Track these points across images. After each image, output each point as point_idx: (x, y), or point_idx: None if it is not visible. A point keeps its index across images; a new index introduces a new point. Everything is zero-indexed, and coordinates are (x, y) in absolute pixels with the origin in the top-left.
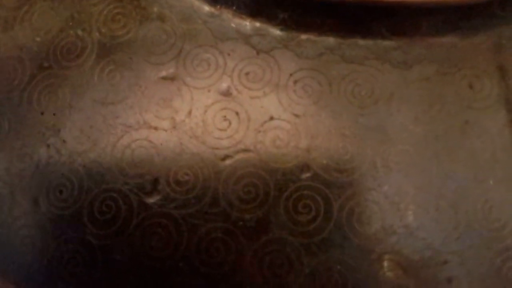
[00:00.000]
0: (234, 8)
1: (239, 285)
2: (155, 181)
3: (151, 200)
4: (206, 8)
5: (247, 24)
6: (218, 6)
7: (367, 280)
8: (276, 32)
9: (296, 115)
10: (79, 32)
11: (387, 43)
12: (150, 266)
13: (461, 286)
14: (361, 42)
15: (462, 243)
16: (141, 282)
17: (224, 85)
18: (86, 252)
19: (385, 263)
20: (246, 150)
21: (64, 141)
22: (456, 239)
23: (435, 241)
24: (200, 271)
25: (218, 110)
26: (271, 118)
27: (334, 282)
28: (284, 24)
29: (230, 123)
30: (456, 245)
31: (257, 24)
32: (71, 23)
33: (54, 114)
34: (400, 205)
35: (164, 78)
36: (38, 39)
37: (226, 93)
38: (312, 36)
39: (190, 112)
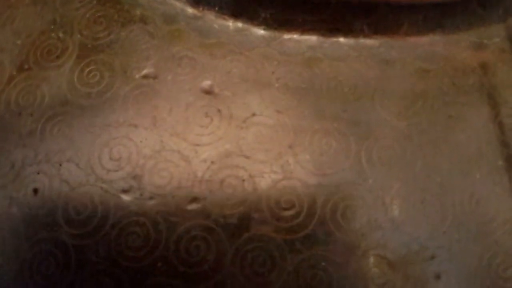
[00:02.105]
0: (217, 9)
1: (219, 285)
2: (133, 179)
3: (128, 198)
4: (189, 10)
5: (230, 25)
6: (201, 8)
7: (353, 277)
8: (259, 32)
9: (279, 112)
10: (61, 35)
11: (369, 41)
12: (127, 267)
13: (449, 282)
14: (343, 40)
15: (450, 237)
16: (117, 283)
17: (206, 83)
18: (59, 253)
19: (371, 259)
20: (227, 146)
21: (40, 141)
22: (443, 233)
23: (421, 235)
24: (179, 270)
25: (199, 107)
26: (254, 115)
27: (318, 279)
28: (266, 24)
29: (211, 120)
30: (444, 239)
31: (240, 25)
32: (53, 26)
33: (31, 115)
34: (385, 199)
35: (145, 76)
36: (19, 42)
37: (208, 91)
38: (294, 36)
39: (171, 110)
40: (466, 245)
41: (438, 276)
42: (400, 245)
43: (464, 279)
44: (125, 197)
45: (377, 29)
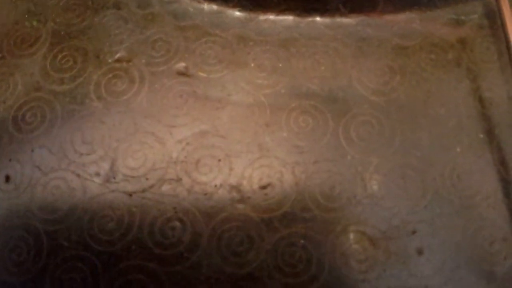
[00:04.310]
0: None
1: (196, 266)
2: (106, 162)
3: (100, 181)
4: None
5: (205, 7)
6: None
7: (333, 254)
8: (235, 13)
9: (255, 91)
10: (34, 23)
11: (345, 20)
12: (100, 251)
13: (433, 257)
14: (319, 19)
15: (431, 211)
16: (89, 268)
17: (181, 65)
18: (31, 239)
19: (351, 235)
20: (203, 126)
21: (13, 128)
22: (425, 207)
23: (402, 210)
24: (154, 252)
25: (175, 88)
26: (229, 95)
27: (297, 257)
28: (241, 5)
29: (186, 101)
30: (425, 214)
31: (214, 7)
32: (27, 16)
33: (4, 102)
34: (364, 175)
35: (118, 60)
36: None
37: (183, 73)
38: (270, 16)
39: (145, 92)
40: (449, 219)
41: (420, 251)
42: (380, 221)
43: (448, 253)
44: (98, 180)
45: (353, 8)
